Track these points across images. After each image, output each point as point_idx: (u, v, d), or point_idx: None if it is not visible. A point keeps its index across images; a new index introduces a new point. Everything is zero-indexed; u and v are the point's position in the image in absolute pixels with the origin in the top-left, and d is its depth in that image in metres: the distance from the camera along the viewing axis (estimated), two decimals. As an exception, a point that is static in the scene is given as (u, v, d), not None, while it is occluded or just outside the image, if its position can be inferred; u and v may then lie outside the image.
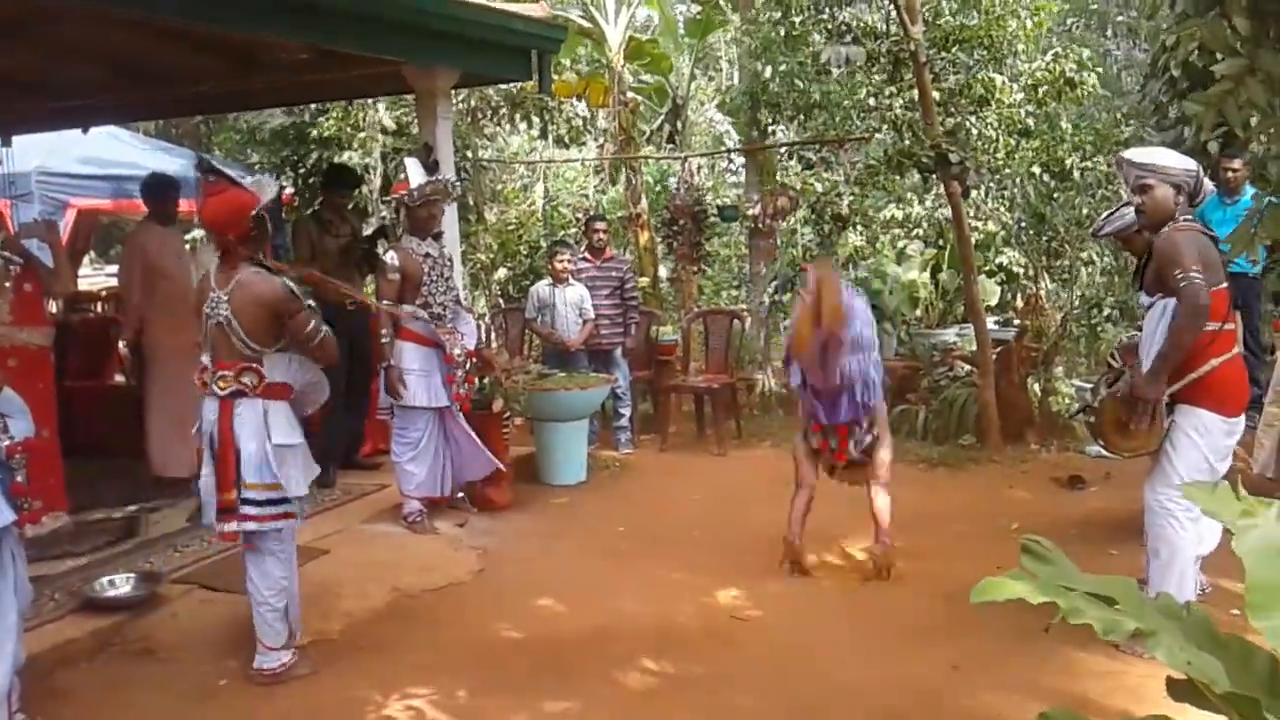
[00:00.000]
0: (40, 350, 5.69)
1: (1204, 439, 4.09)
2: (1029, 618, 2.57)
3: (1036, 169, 8.17)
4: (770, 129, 10.49)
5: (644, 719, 3.88)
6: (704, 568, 5.47)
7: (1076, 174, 8.06)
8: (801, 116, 9.93)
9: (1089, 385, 6.79)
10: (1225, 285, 4.07)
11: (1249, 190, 7.13)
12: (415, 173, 5.94)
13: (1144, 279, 4.29)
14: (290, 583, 4.23)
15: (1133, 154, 4.30)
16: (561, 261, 8.09)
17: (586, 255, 8.39)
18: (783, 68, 9.25)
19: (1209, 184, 4.27)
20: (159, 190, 6.76)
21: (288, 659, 4.21)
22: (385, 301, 5.88)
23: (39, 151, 9.27)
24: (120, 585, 4.86)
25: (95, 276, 13.89)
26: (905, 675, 4.14)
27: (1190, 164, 4.17)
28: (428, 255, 5.99)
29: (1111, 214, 4.84)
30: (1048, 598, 1.83)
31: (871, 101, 8.35)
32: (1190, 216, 4.11)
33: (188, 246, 7.08)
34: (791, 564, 5.28)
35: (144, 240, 6.69)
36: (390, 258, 5.91)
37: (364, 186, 9.47)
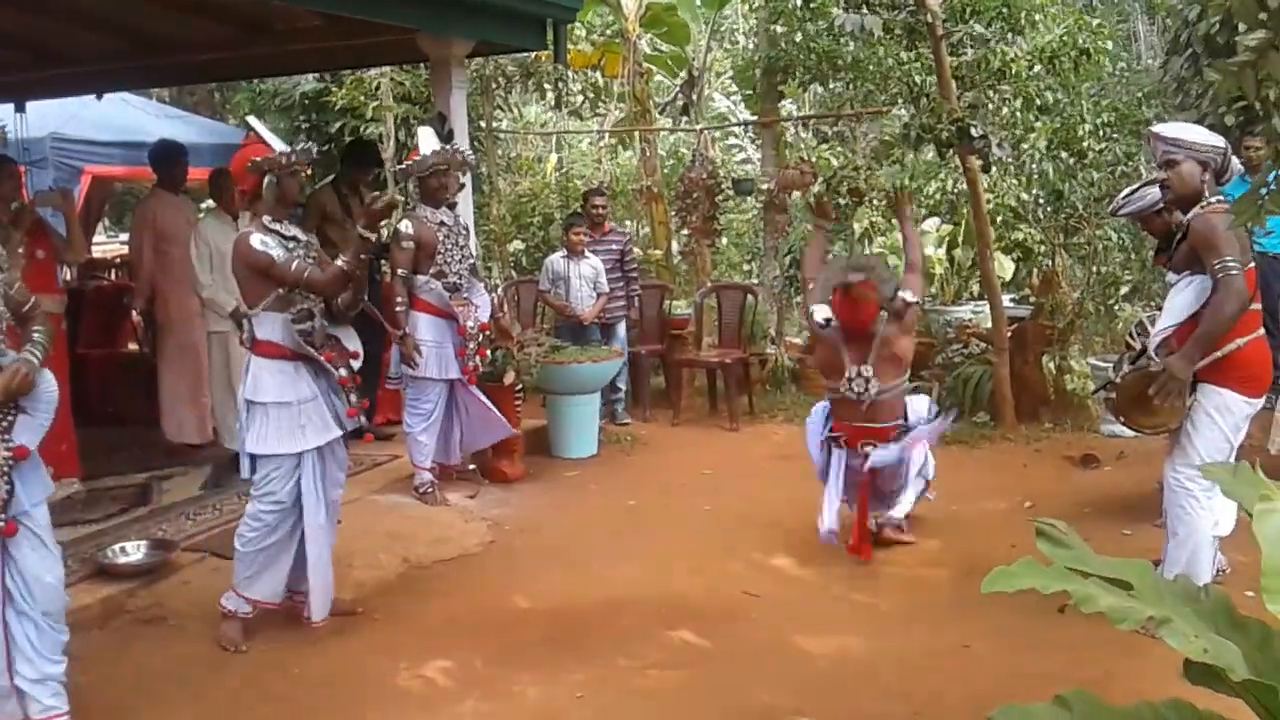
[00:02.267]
0: (52, 318, 5.69)
1: (1225, 419, 4.07)
2: (1041, 595, 2.55)
3: (1052, 146, 8.08)
4: (785, 97, 10.37)
5: (654, 691, 3.88)
6: (715, 542, 5.47)
7: (1093, 153, 7.97)
8: (818, 86, 9.84)
9: (1105, 364, 6.75)
10: (1252, 265, 4.03)
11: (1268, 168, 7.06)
12: (428, 141, 5.91)
13: (1173, 257, 4.24)
14: (256, 538, 4.22)
15: (1162, 129, 4.25)
16: (577, 234, 8.06)
17: (586, 229, 8.37)
18: (798, 36, 9.16)
19: (1236, 163, 4.21)
20: (167, 158, 6.72)
21: (232, 606, 4.26)
22: (400, 271, 5.86)
23: (54, 118, 9.25)
24: (132, 552, 4.89)
25: (109, 244, 13.91)
26: (916, 653, 4.12)
27: (1219, 141, 4.12)
28: (442, 224, 5.96)
29: (1132, 193, 4.78)
30: (1059, 587, 1.81)
31: (889, 67, 8.23)
32: (1220, 197, 4.06)
33: (199, 215, 7.05)
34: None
35: (153, 208, 6.67)
36: (405, 226, 5.88)
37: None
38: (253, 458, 4.22)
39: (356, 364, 4.44)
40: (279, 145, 4.32)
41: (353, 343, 4.44)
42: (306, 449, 4.23)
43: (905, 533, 5.30)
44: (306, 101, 10.28)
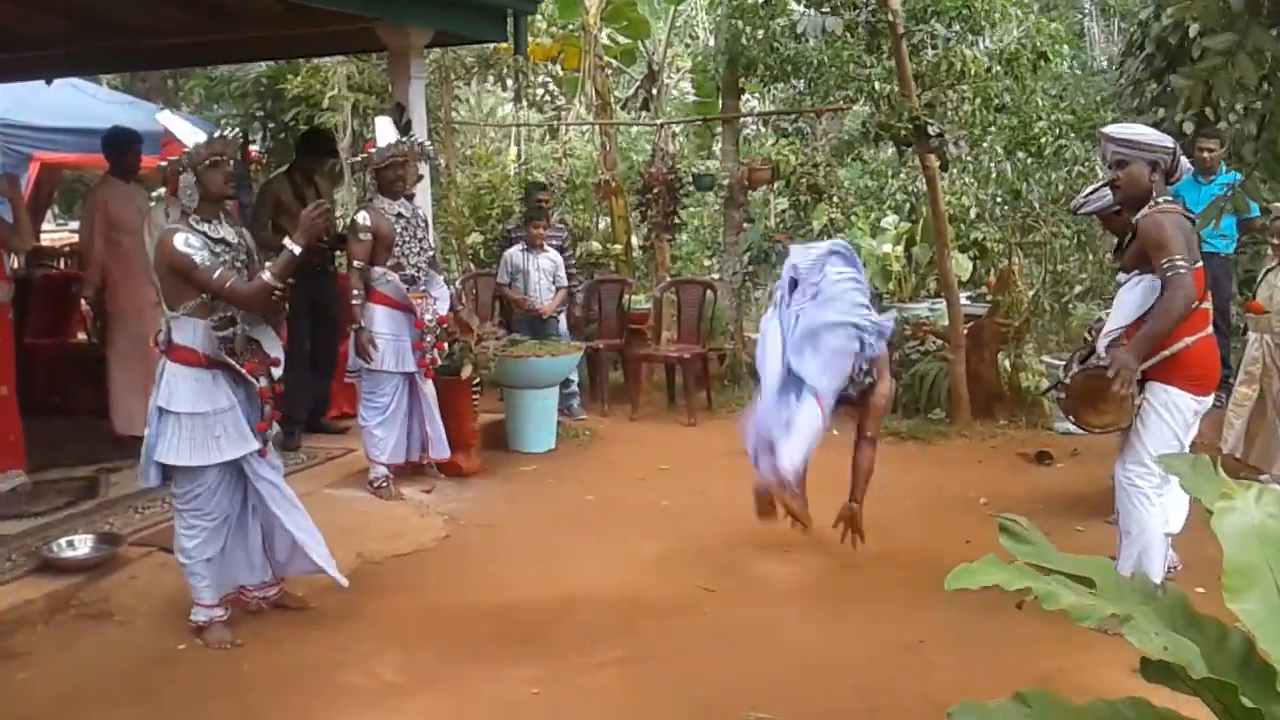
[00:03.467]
0: (-1, 306, 5.59)
1: (1174, 417, 4.10)
2: (996, 592, 2.54)
3: (1010, 146, 8.15)
4: (745, 97, 10.38)
5: (610, 688, 3.86)
6: (673, 538, 5.45)
7: (1050, 153, 8.06)
8: (778, 84, 9.85)
9: (1059, 362, 6.81)
10: (1200, 264, 4.07)
11: (1223, 170, 7.15)
12: (385, 132, 5.84)
13: (1123, 257, 4.28)
14: (198, 548, 4.14)
15: (1112, 129, 4.29)
16: (538, 228, 8.04)
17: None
18: (760, 32, 9.16)
19: (1186, 163, 4.26)
20: (120, 145, 6.59)
21: (203, 618, 4.19)
22: (356, 263, 5.79)
23: (2, 103, 9.06)
24: (79, 546, 4.78)
25: (58, 232, 13.66)
26: (872, 649, 4.13)
27: (1168, 141, 4.16)
28: (400, 216, 5.89)
29: (1093, 192, 4.82)
30: (1022, 584, 1.82)
31: (851, 69, 8.28)
32: (1169, 196, 4.10)
33: (151, 203, 6.92)
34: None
35: (105, 195, 6.55)
36: (362, 218, 5.81)
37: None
38: (165, 466, 4.06)
39: (277, 371, 4.24)
40: (193, 138, 4.02)
41: (274, 349, 4.23)
42: (222, 461, 4.07)
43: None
44: (262, 88, 10.14)
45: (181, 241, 3.92)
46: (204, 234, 4.00)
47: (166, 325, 4.03)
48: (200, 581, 4.17)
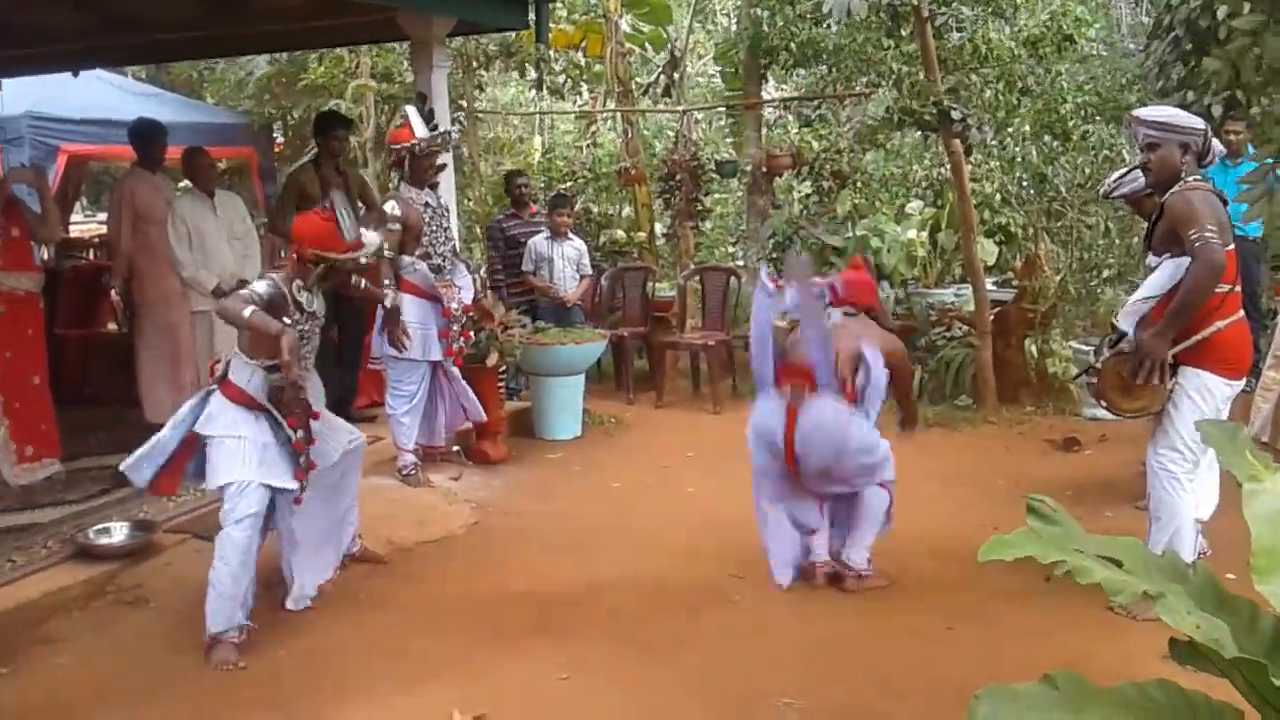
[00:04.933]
0: (29, 296, 5.65)
1: (1205, 401, 4.08)
2: (1023, 579, 2.53)
3: (1036, 128, 8.10)
4: (768, 84, 10.37)
5: (638, 674, 3.88)
6: (699, 525, 5.46)
7: (1077, 136, 8.00)
8: (800, 70, 9.83)
9: (1087, 348, 6.78)
10: (1233, 247, 4.04)
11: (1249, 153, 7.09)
12: (418, 121, 5.85)
13: (1152, 238, 4.25)
14: (229, 576, 4.01)
15: (1143, 112, 4.26)
16: (562, 215, 8.06)
17: (513, 210, 8.54)
18: (779, 21, 9.14)
19: (1218, 145, 4.22)
20: (146, 136, 6.65)
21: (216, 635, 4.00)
22: (387, 252, 5.78)
23: (30, 95, 9.15)
24: (114, 534, 4.85)
25: (87, 223, 13.78)
26: (900, 635, 4.14)
27: (1199, 124, 4.12)
28: (427, 205, 5.92)
29: (1123, 176, 4.79)
30: (1056, 556, 1.82)
31: (870, 50, 8.23)
32: (1199, 177, 4.07)
33: (177, 193, 6.98)
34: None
35: (131, 186, 6.61)
36: (391, 207, 5.82)
37: (356, 136, 9.38)
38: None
39: (316, 424, 4.26)
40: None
41: (317, 402, 4.29)
42: (257, 480, 4.04)
43: (872, 577, 4.60)
44: (282, 82, 10.21)
45: (246, 293, 3.98)
46: (290, 295, 4.04)
47: (227, 362, 4.11)
48: (226, 610, 4.05)
